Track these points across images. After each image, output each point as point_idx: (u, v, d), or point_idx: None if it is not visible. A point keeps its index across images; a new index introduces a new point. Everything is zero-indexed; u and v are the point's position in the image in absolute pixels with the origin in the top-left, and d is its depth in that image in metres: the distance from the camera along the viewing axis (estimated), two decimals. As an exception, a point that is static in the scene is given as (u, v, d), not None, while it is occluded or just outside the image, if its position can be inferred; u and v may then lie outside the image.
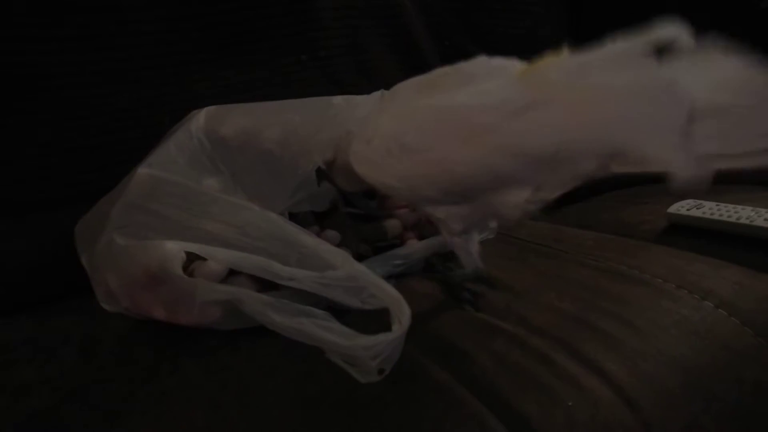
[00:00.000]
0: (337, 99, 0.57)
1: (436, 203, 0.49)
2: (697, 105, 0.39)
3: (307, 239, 0.49)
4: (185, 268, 0.50)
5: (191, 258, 0.50)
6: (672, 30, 0.40)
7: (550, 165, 0.43)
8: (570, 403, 0.43)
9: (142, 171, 0.51)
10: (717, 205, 0.72)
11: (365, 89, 0.60)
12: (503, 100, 0.43)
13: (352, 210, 0.62)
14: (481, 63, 0.50)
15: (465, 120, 0.45)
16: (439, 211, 0.50)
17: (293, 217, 0.56)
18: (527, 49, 1.02)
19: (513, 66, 0.48)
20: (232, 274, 0.52)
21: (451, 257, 0.58)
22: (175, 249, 0.48)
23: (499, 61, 0.49)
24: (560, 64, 0.43)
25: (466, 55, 0.98)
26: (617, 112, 0.41)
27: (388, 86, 0.60)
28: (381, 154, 0.49)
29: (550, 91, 0.42)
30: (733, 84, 0.40)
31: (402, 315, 0.44)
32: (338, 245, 0.56)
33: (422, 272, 0.61)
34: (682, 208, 0.73)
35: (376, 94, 0.57)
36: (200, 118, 0.57)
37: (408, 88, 0.53)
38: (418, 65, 0.93)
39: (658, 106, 0.40)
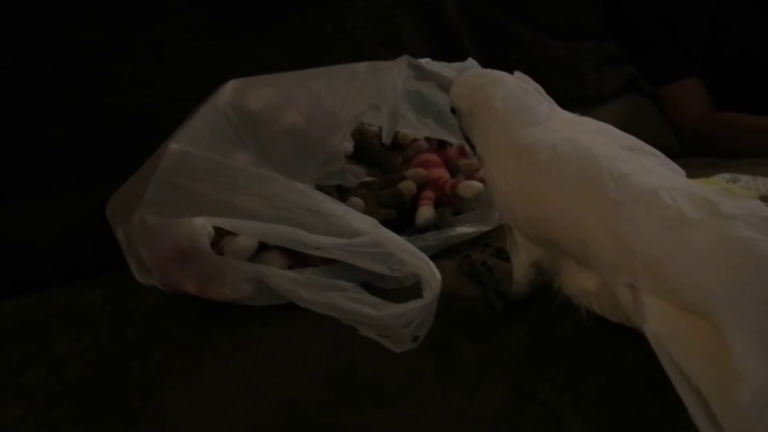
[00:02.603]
0: (362, 66, 0.56)
1: (527, 236, 0.46)
2: None
3: (336, 207, 0.49)
4: (215, 244, 0.50)
5: (221, 233, 0.50)
6: None
7: (633, 269, 0.37)
8: (603, 378, 0.43)
9: (173, 147, 0.51)
10: (754, 178, 0.70)
11: (390, 62, 0.59)
12: (655, 194, 0.37)
13: (365, 180, 0.62)
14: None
15: (602, 188, 0.39)
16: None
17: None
18: (556, 18, 1.01)
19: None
20: (262, 250, 0.52)
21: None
22: (203, 225, 0.48)
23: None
24: (740, 204, 0.36)
25: (493, 25, 0.97)
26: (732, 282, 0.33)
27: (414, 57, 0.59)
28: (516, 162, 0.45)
29: (707, 218, 0.36)
30: None
31: (433, 280, 0.44)
32: (363, 213, 0.55)
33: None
34: (719, 182, 0.71)
35: (402, 60, 0.56)
36: (226, 92, 0.57)
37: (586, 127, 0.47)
38: (444, 37, 0.92)
39: None
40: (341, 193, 0.61)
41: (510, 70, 0.53)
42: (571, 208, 0.41)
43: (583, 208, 0.40)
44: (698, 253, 0.35)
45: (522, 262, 0.48)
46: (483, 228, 0.63)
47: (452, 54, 0.74)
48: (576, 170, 0.41)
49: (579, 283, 0.43)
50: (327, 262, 0.51)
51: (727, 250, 0.34)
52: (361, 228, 0.48)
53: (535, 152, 0.44)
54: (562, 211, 0.41)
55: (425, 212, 0.64)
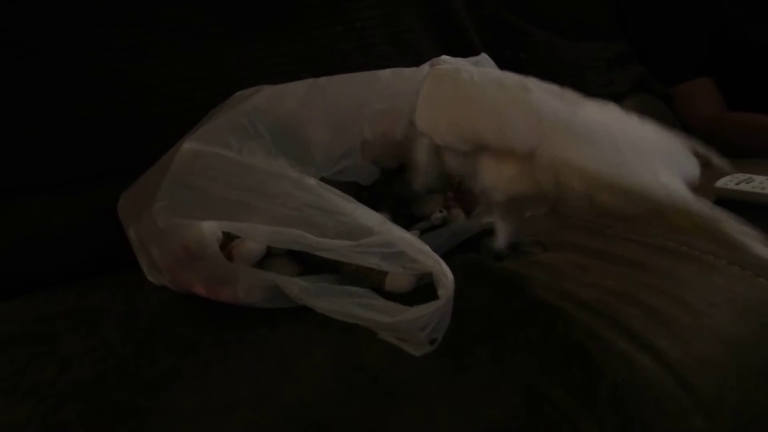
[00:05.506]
0: (385, 73, 0.55)
1: (445, 146, 0.54)
2: None
3: (345, 205, 0.48)
4: (224, 246, 0.49)
5: (230, 236, 0.50)
6: None
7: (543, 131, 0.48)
8: (618, 380, 0.42)
9: (186, 147, 0.50)
10: (768, 178, 0.69)
11: (400, 62, 0.59)
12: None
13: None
14: None
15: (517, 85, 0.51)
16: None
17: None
18: (566, 17, 1.00)
19: None
20: (270, 256, 0.51)
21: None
22: (211, 229, 0.47)
23: None
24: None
25: (503, 24, 0.96)
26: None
27: (423, 58, 0.58)
28: (450, 86, 0.54)
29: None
30: None
31: (446, 279, 0.43)
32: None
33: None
34: (730, 182, 0.70)
35: (425, 67, 0.55)
36: (247, 102, 0.55)
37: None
38: (454, 36, 0.91)
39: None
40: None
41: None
42: (492, 103, 0.51)
43: (504, 101, 0.51)
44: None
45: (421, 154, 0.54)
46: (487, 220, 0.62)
47: (462, 53, 0.73)
48: (493, 80, 0.53)
49: (500, 172, 0.50)
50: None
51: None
52: (371, 225, 0.47)
53: (455, 76, 0.54)
54: (485, 106, 0.51)
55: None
